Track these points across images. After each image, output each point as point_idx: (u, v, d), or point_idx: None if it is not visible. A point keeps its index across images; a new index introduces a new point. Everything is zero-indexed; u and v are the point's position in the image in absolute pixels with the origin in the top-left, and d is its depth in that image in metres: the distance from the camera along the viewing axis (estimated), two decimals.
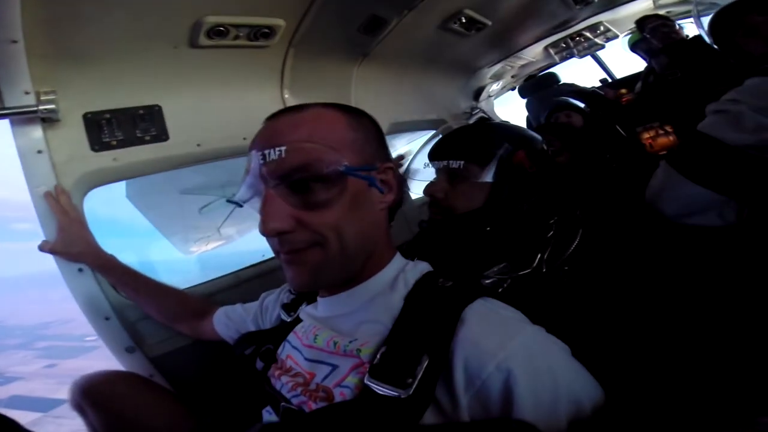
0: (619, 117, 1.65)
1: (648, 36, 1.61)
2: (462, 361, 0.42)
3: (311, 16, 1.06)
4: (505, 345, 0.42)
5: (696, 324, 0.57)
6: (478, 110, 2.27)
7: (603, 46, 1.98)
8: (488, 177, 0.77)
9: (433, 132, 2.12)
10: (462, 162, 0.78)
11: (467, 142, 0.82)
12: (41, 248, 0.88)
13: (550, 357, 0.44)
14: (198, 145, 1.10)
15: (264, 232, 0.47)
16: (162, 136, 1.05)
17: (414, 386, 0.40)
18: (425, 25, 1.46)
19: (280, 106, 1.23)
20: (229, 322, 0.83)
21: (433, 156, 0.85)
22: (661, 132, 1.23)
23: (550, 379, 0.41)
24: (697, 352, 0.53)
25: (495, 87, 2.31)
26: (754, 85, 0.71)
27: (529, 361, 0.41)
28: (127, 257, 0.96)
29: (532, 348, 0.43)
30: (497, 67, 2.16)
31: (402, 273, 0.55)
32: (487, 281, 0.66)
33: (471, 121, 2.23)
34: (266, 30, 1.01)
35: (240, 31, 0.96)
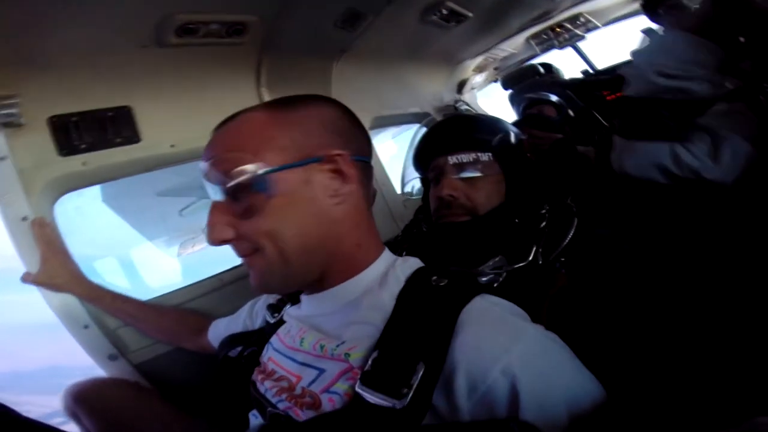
0: (599, 106, 1.61)
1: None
2: (464, 365, 0.39)
3: (285, 11, 0.99)
4: (508, 348, 0.39)
5: (697, 322, 0.55)
6: (461, 103, 2.22)
7: (583, 38, 1.94)
8: (506, 168, 0.73)
9: (417, 125, 2.10)
10: (489, 154, 0.73)
11: (486, 132, 0.76)
12: (24, 280, 0.83)
13: (553, 358, 0.42)
14: (172, 146, 1.04)
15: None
16: (134, 138, 0.99)
17: (410, 396, 0.38)
18: (405, 18, 1.40)
19: (256, 104, 1.19)
20: (222, 332, 0.80)
21: (434, 152, 0.78)
22: None
23: (553, 380, 0.40)
24: (697, 351, 0.51)
25: (478, 79, 2.26)
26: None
27: (532, 364, 0.39)
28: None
29: (535, 349, 0.41)
30: (479, 59, 2.11)
31: (392, 269, 0.51)
32: (483, 279, 0.62)
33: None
34: (238, 27, 0.94)
35: (211, 28, 0.90)
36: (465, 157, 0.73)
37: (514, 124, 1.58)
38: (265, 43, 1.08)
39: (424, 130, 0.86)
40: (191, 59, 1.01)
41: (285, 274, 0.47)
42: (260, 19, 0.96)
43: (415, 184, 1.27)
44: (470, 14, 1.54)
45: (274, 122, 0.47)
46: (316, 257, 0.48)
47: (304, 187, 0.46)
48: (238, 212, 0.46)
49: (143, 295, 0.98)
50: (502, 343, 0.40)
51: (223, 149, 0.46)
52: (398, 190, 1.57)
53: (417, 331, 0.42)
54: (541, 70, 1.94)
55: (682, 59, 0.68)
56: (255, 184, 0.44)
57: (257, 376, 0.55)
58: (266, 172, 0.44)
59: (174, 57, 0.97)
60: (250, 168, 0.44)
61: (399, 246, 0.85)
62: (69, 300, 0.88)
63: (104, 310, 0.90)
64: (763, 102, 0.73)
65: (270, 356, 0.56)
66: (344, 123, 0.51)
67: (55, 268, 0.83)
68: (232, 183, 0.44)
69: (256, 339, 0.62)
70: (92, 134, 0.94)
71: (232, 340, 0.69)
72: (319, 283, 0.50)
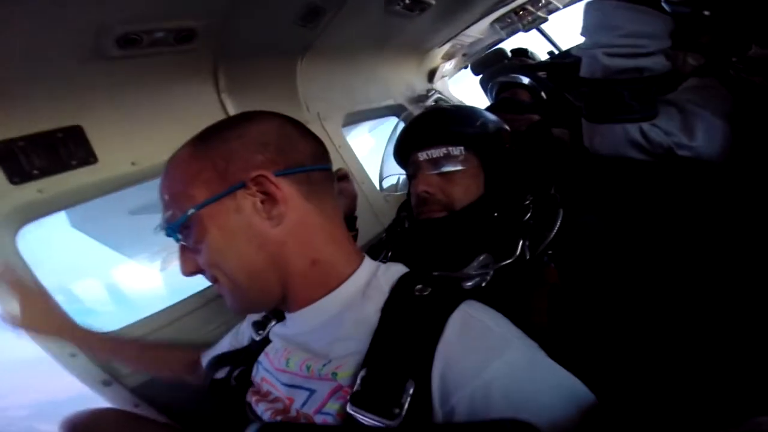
0: (569, 84, 1.60)
1: None
2: (438, 378, 0.38)
3: (237, 13, 0.93)
4: (486, 366, 0.38)
5: (696, 317, 0.54)
6: (434, 92, 2.18)
7: (546, 19, 1.92)
8: (484, 161, 0.70)
9: (392, 118, 2.06)
10: (461, 148, 0.69)
11: (459, 125, 0.72)
12: (3, 320, 0.76)
13: (534, 372, 0.40)
14: (133, 163, 0.97)
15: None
16: (89, 158, 0.92)
17: (402, 415, 0.37)
18: (369, 10, 1.35)
19: (219, 112, 1.13)
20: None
21: (412, 147, 0.75)
22: None
23: (532, 396, 0.38)
24: (695, 350, 0.50)
25: (448, 67, 2.23)
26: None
27: (510, 381, 0.38)
28: None
29: (516, 365, 0.39)
30: (447, 47, 2.07)
31: (374, 278, 0.48)
32: (468, 284, 0.58)
33: (428, 104, 2.15)
34: (186, 33, 0.88)
35: (155, 37, 0.83)
36: (436, 152, 0.70)
37: (488, 109, 1.55)
38: (220, 48, 1.01)
39: (402, 125, 0.82)
40: (142, 70, 0.94)
41: (244, 299, 0.48)
42: (209, 23, 0.90)
43: (391, 180, 1.23)
44: (432, 1, 1.50)
45: (197, 156, 0.47)
46: (269, 280, 0.47)
47: (235, 216, 0.45)
48: (191, 248, 0.47)
49: (133, 315, 0.95)
50: (479, 360, 0.38)
51: (161, 192, 0.48)
52: (378, 186, 1.54)
53: (403, 348, 0.40)
54: (509, 53, 1.92)
55: (627, 34, 0.63)
56: (189, 223, 0.45)
57: (252, 398, 0.53)
58: (193, 212, 0.44)
59: (122, 69, 0.90)
60: (180, 210, 0.45)
61: (384, 247, 0.82)
62: None
63: (102, 358, 0.85)
64: (734, 77, 0.70)
65: (263, 376, 0.54)
66: (273, 136, 0.48)
67: (35, 313, 0.77)
68: (168, 227, 0.46)
69: (244, 358, 0.59)
70: (43, 159, 0.86)
71: (218, 361, 0.66)
72: (289, 302, 0.48)
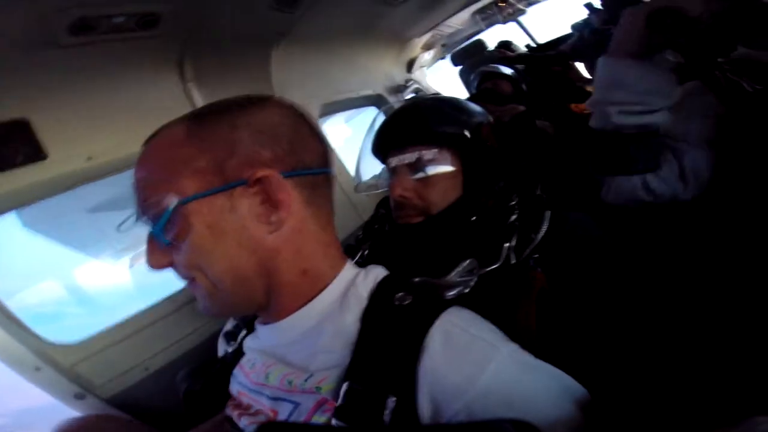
0: (549, 81, 1.61)
1: None
2: (427, 396, 0.36)
3: None
4: (475, 380, 0.36)
5: (690, 320, 0.54)
6: (412, 82, 2.13)
7: (524, 12, 1.90)
8: (461, 162, 0.65)
9: (371, 108, 2.00)
10: (435, 150, 0.64)
11: (430, 124, 0.66)
12: None
13: (527, 384, 0.38)
14: (89, 158, 0.87)
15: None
16: (37, 154, 0.81)
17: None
18: None
19: (185, 103, 1.03)
20: None
21: (386, 148, 0.70)
22: None
23: (525, 404, 0.37)
24: (691, 350, 0.50)
25: (426, 57, 2.17)
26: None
27: (500, 392, 0.36)
28: None
29: (504, 375, 0.37)
30: (427, 37, 2.02)
31: (352, 286, 0.45)
32: (451, 293, 0.53)
33: (407, 94, 2.10)
34: (149, 17, 0.78)
35: (114, 22, 0.73)
36: (408, 157, 0.65)
37: (470, 99, 1.51)
38: (187, 34, 0.92)
39: (381, 117, 0.76)
40: (98, 58, 0.83)
41: (224, 303, 0.42)
42: (175, 7, 0.81)
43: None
44: None
45: (192, 139, 0.39)
46: (255, 287, 0.42)
47: (228, 216, 0.39)
48: (166, 242, 0.40)
49: (101, 316, 0.91)
50: (466, 373, 0.37)
51: (140, 174, 0.41)
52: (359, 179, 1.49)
53: (383, 361, 0.38)
54: (488, 45, 1.89)
55: (639, 91, 0.64)
56: (172, 216, 0.38)
57: (233, 412, 0.49)
58: (178, 204, 0.38)
59: (76, 57, 0.80)
60: (162, 200, 0.38)
61: (360, 246, 0.77)
62: (7, 342, 0.76)
63: None
64: (720, 79, 0.70)
65: (239, 390, 0.50)
66: (286, 129, 0.42)
67: None
68: (146, 217, 0.39)
69: (219, 369, 0.56)
70: None
71: (193, 373, 0.64)
72: (269, 310, 0.44)
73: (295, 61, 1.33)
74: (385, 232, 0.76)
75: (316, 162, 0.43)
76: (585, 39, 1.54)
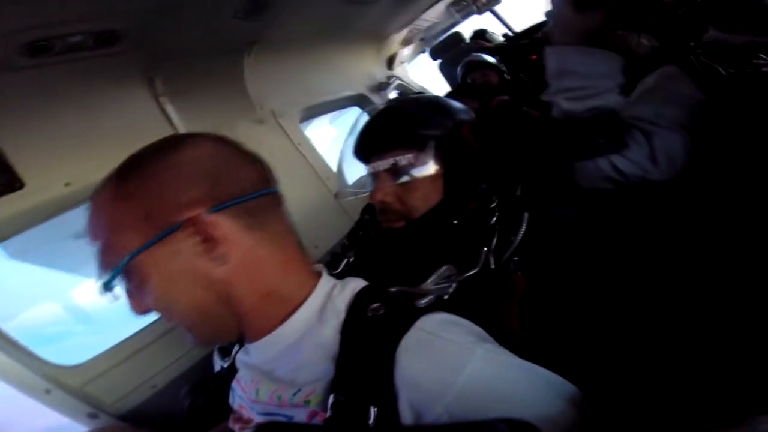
0: (524, 66, 1.60)
1: None
2: (407, 403, 0.37)
3: (167, 11, 0.82)
4: (451, 383, 0.36)
5: (684, 317, 0.52)
6: (394, 78, 2.12)
7: (499, 1, 1.88)
8: (440, 164, 0.64)
9: (354, 108, 1.98)
10: (410, 155, 0.63)
11: (405, 128, 0.66)
12: None
13: (505, 379, 0.38)
14: (67, 184, 0.86)
15: None
16: (13, 183, 0.80)
17: None
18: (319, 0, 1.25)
19: (160, 118, 1.02)
20: None
21: (366, 155, 0.69)
22: None
23: (508, 402, 0.37)
24: (690, 349, 0.49)
25: (406, 52, 2.16)
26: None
27: (479, 393, 0.36)
28: None
29: (482, 375, 0.37)
30: (405, 32, 2.00)
31: (329, 301, 0.45)
32: (422, 301, 0.51)
33: (390, 91, 2.08)
34: (107, 35, 0.76)
35: (70, 42, 0.71)
36: (383, 164, 0.64)
37: (456, 92, 1.49)
38: (152, 48, 0.90)
39: (365, 117, 0.74)
40: (61, 80, 0.82)
41: (203, 335, 0.45)
42: (133, 23, 0.79)
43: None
44: None
45: (120, 197, 0.41)
46: (223, 317, 0.43)
47: (175, 260, 0.40)
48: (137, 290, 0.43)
49: (105, 332, 0.92)
50: (443, 378, 0.37)
51: (91, 240, 0.43)
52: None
53: (362, 373, 0.39)
54: (466, 37, 1.88)
55: (585, 75, 0.65)
56: (125, 270, 0.40)
57: (235, 425, 0.51)
58: (126, 260, 0.39)
59: (36, 80, 0.78)
60: (113, 260, 0.40)
61: (346, 253, 0.77)
62: (15, 367, 0.77)
63: None
64: (695, 63, 0.69)
65: (239, 403, 0.52)
66: (206, 165, 0.42)
67: None
68: (104, 277, 0.41)
69: (216, 384, 0.59)
70: None
71: (194, 389, 0.66)
72: (247, 334, 0.46)
73: (271, 68, 1.32)
74: (371, 237, 0.75)
75: (248, 188, 0.43)
76: None
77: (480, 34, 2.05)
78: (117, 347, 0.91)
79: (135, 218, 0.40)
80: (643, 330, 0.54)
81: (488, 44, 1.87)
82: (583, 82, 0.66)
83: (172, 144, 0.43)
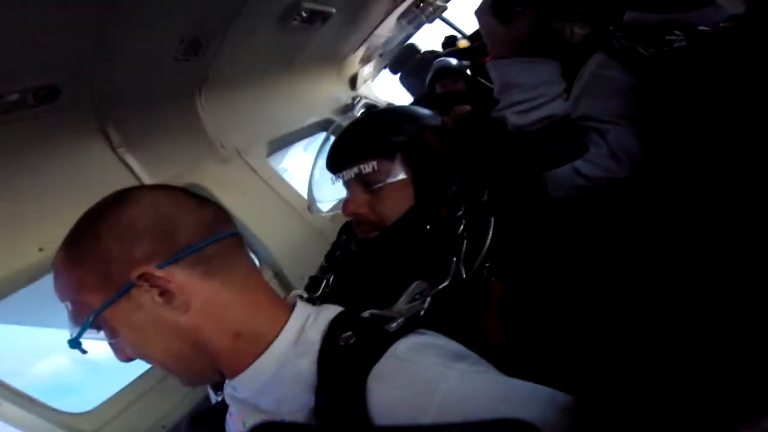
0: (482, 70, 1.62)
1: None
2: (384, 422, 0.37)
3: (103, 62, 0.84)
4: (425, 408, 0.36)
5: (678, 315, 0.49)
6: (359, 98, 2.15)
7: (446, 8, 1.94)
8: (406, 170, 0.64)
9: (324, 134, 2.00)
10: (374, 163, 0.63)
11: (367, 137, 0.67)
12: None
13: (484, 401, 0.37)
14: (41, 249, 0.85)
15: None
16: None
17: None
18: (263, 30, 1.29)
19: (121, 169, 1.02)
20: None
21: (334, 167, 0.69)
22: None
23: (492, 414, 0.35)
24: (684, 348, 0.45)
25: (368, 70, 2.20)
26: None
27: (457, 416, 0.36)
28: None
29: (458, 395, 0.36)
30: (362, 51, 2.05)
31: (302, 333, 0.45)
32: (392, 326, 0.47)
33: (357, 111, 2.11)
34: (47, 90, 0.78)
35: (8, 100, 0.73)
36: (347, 174, 0.65)
37: (425, 101, 1.48)
38: (97, 99, 0.92)
39: (332, 138, 0.75)
40: (9, 141, 0.83)
41: (185, 377, 0.48)
42: (72, 76, 0.81)
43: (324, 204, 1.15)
44: (333, 10, 1.46)
45: (72, 264, 0.43)
46: (198, 360, 0.45)
47: (138, 314, 0.42)
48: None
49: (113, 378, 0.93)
50: (416, 404, 0.37)
51: (60, 299, 0.45)
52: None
53: (339, 403, 0.40)
54: (420, 47, 1.92)
55: (532, 86, 0.64)
56: (97, 325, 0.43)
57: None
58: (90, 321, 0.42)
59: None
60: (78, 317, 0.43)
61: (323, 276, 0.75)
62: (32, 420, 0.79)
63: None
64: (618, 49, 0.67)
65: None
66: (149, 220, 0.43)
67: None
68: (71, 336, 0.43)
69: (213, 418, 0.58)
70: None
71: (192, 421, 0.65)
72: (225, 372, 0.47)
73: (227, 105, 1.34)
74: (349, 255, 0.75)
75: (198, 236, 0.44)
76: None
77: (450, 42, 2.09)
78: (124, 391, 0.92)
79: (92, 280, 0.41)
80: (631, 325, 0.49)
81: (443, 50, 1.91)
82: (528, 94, 0.65)
83: (111, 204, 0.44)
